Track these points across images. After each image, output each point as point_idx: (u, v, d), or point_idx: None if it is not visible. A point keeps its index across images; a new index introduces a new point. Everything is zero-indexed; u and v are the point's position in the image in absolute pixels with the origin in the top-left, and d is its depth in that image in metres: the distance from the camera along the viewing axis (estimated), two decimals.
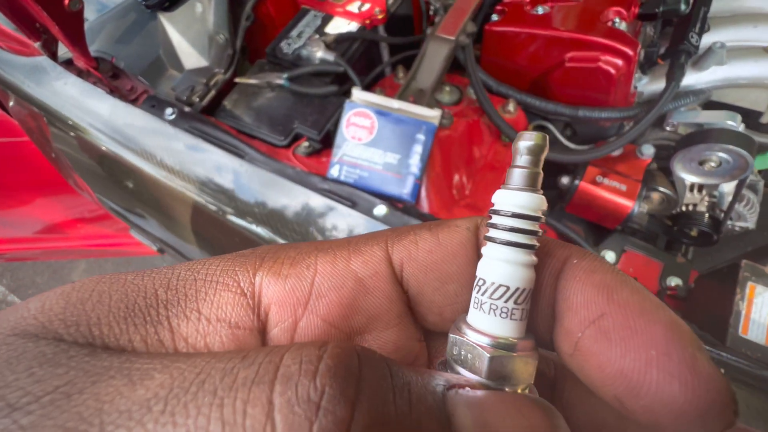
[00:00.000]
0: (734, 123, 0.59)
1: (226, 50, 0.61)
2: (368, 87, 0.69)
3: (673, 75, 0.58)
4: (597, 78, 0.60)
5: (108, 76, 0.63)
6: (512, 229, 0.12)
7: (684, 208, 0.70)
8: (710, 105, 0.68)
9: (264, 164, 0.52)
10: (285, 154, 0.57)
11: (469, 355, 0.11)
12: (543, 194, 0.12)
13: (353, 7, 0.69)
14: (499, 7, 0.67)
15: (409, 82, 0.62)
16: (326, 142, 0.60)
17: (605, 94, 0.61)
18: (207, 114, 0.60)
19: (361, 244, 0.13)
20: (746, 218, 0.71)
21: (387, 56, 0.74)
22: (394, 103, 0.52)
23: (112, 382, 0.09)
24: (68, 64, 0.63)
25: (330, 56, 0.63)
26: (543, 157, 0.12)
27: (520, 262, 0.12)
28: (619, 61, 0.58)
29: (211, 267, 0.12)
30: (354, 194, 0.50)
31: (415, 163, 0.50)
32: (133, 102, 0.63)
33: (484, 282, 0.12)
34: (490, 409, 0.10)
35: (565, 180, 0.71)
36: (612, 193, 0.65)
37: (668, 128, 0.66)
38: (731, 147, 0.56)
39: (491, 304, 0.11)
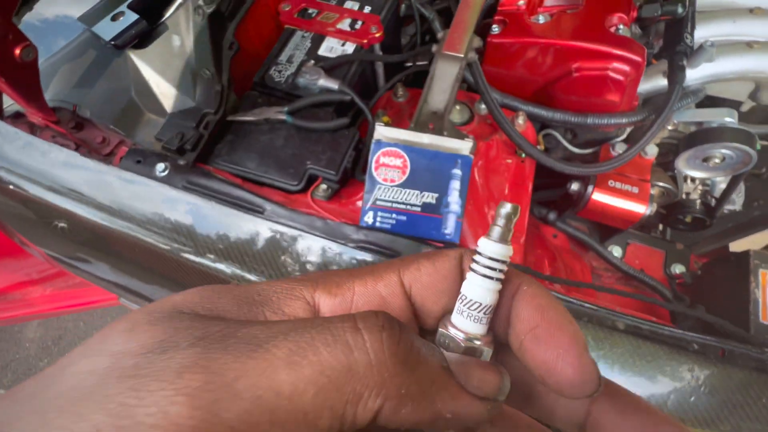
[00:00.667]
0: (733, 119, 0.62)
1: (213, 86, 0.53)
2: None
3: (676, 77, 0.59)
4: (606, 86, 0.60)
5: (70, 128, 0.53)
6: (488, 267, 0.18)
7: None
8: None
9: (288, 219, 0.47)
10: (303, 200, 0.51)
11: (451, 343, 0.18)
12: (511, 246, 0.19)
13: (345, 25, 0.63)
14: (498, 17, 0.65)
15: (422, 105, 0.58)
16: (344, 181, 0.55)
17: (614, 101, 0.62)
18: (200, 163, 0.53)
19: (381, 271, 0.19)
20: (734, 202, 0.76)
21: (382, 76, 0.70)
22: (424, 138, 0.48)
23: (253, 327, 0.15)
24: (16, 118, 0.52)
25: (333, 84, 0.57)
26: (515, 220, 0.19)
27: (490, 288, 0.18)
28: (628, 68, 0.58)
29: (282, 285, 0.18)
30: (395, 242, 0.46)
31: (454, 200, 0.47)
32: (108, 156, 0.54)
33: (466, 297, 0.18)
34: (467, 362, 0.17)
35: (575, 186, 0.71)
36: (625, 197, 0.66)
37: (669, 127, 0.68)
38: (735, 144, 0.59)
39: (468, 312, 0.18)
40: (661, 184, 0.71)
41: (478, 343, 0.18)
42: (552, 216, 0.78)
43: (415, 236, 0.47)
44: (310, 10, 0.65)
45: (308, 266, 0.47)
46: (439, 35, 0.62)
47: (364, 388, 0.14)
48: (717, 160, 0.62)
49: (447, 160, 0.47)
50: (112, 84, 0.53)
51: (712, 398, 0.40)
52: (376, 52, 0.65)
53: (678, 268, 0.78)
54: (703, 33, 0.69)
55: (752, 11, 0.68)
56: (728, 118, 0.62)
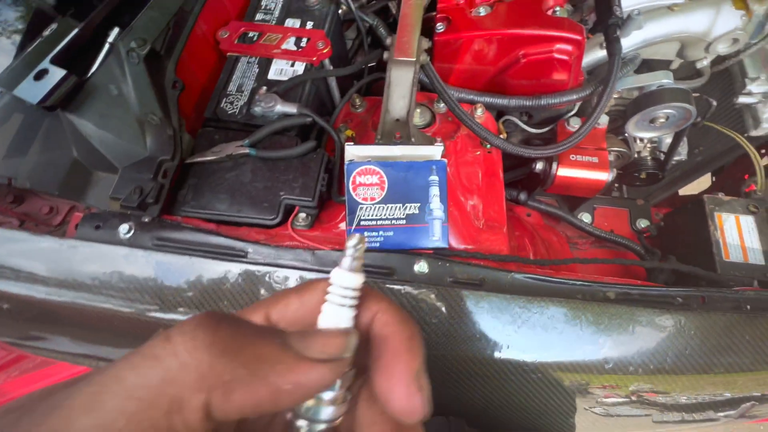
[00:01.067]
0: (669, 80, 0.66)
1: (164, 131, 0.50)
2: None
3: (614, 49, 0.63)
4: (553, 67, 0.63)
5: (9, 203, 0.48)
6: (340, 296, 0.20)
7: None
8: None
9: (274, 258, 0.45)
10: (285, 233, 0.49)
11: None
12: (362, 274, 0.20)
13: (290, 45, 0.61)
14: (440, 16, 0.65)
15: (384, 115, 0.57)
16: (321, 205, 0.54)
17: (562, 80, 0.64)
18: (166, 215, 0.50)
19: (247, 314, 0.20)
20: (680, 153, 0.82)
21: (337, 89, 0.69)
22: (395, 150, 0.48)
23: (54, 395, 0.15)
24: None
25: (291, 108, 0.55)
26: (363, 251, 0.20)
27: (343, 316, 0.20)
28: (571, 47, 0.61)
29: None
30: (387, 259, 0.46)
31: (437, 206, 0.47)
32: (60, 227, 0.49)
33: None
34: (309, 333, 0.19)
35: (540, 165, 0.74)
36: (588, 168, 0.69)
37: (614, 96, 0.72)
38: (676, 104, 0.63)
39: None
40: (615, 149, 0.76)
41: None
42: (523, 196, 0.80)
43: (404, 249, 0.47)
44: (250, 34, 0.63)
45: None
46: (388, 42, 0.61)
47: (183, 390, 0.14)
48: (662, 120, 0.67)
49: (422, 169, 0.48)
50: (49, 147, 0.49)
51: (703, 346, 0.43)
52: (326, 67, 0.63)
53: (643, 223, 0.84)
54: (627, 2, 0.73)
55: None
56: (665, 80, 0.66)
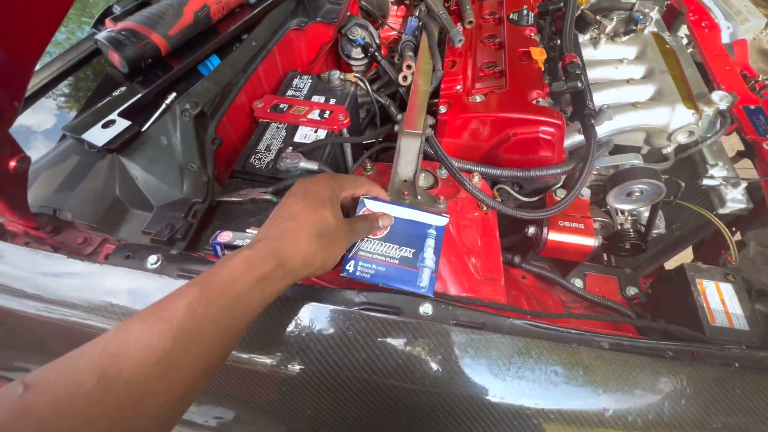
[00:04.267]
0: (639, 161, 0.76)
1: (200, 178, 0.57)
2: None
3: (590, 134, 0.74)
4: (539, 145, 0.73)
5: (48, 231, 0.52)
6: None
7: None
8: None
9: (288, 292, 0.48)
10: None
11: None
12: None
13: (315, 115, 0.72)
14: (442, 101, 0.78)
15: (394, 175, 0.65)
16: None
17: (548, 156, 0.74)
18: (191, 251, 0.54)
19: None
20: (659, 227, 0.90)
21: (350, 154, 0.78)
22: (406, 213, 0.54)
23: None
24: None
25: (313, 165, 0.63)
26: None
27: None
28: (553, 129, 0.71)
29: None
30: (394, 299, 0.49)
31: (429, 256, 0.52)
32: (91, 256, 0.53)
33: None
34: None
35: (532, 230, 0.80)
36: (575, 234, 0.76)
37: (594, 173, 0.82)
38: (646, 180, 0.72)
39: None
40: (599, 219, 0.83)
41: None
42: (517, 260, 0.85)
43: (392, 287, 0.50)
44: (281, 105, 0.74)
45: (320, 331, 0.47)
46: (398, 117, 0.72)
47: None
48: (637, 194, 0.75)
49: (424, 221, 0.53)
50: (96, 185, 0.54)
51: (697, 398, 0.45)
52: (344, 135, 0.73)
53: (632, 290, 0.88)
54: (598, 99, 0.88)
55: (628, 81, 0.88)
56: (636, 161, 0.76)
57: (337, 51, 0.93)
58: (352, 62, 0.91)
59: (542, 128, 0.71)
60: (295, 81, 0.79)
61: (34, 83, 0.60)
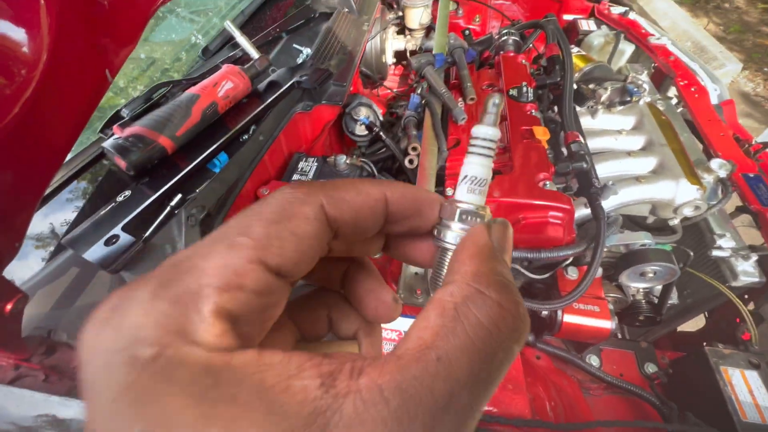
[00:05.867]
0: (650, 241, 0.76)
1: None
2: None
3: (599, 214, 0.73)
4: (549, 228, 0.72)
5: (40, 354, 0.49)
6: (485, 147, 0.21)
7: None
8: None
9: None
10: None
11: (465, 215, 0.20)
12: (498, 129, 0.22)
13: None
14: (448, 182, 0.77)
15: (404, 271, 0.63)
16: None
17: (557, 238, 0.73)
18: None
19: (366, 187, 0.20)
20: (672, 298, 0.88)
21: None
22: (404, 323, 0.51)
23: None
24: None
25: None
26: (501, 109, 0.22)
27: (487, 165, 0.21)
28: (561, 213, 0.71)
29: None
30: None
31: None
32: None
33: (467, 176, 0.21)
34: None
35: (545, 312, 0.78)
36: (591, 316, 0.73)
37: (604, 250, 0.81)
38: (660, 263, 0.71)
39: (470, 187, 0.21)
40: (612, 295, 0.81)
41: (483, 212, 0.21)
42: (531, 338, 0.82)
43: None
44: None
45: None
46: None
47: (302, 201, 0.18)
48: (651, 275, 0.74)
49: None
50: (95, 300, 0.52)
51: None
52: None
53: (651, 368, 0.84)
54: (601, 170, 0.88)
55: (629, 153, 0.90)
56: (646, 240, 0.76)
57: (341, 126, 0.93)
58: (356, 138, 0.92)
59: (552, 213, 0.71)
60: (301, 164, 0.78)
61: None
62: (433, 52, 1.00)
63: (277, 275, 0.15)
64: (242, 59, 0.82)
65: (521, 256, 0.74)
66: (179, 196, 0.59)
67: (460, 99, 0.95)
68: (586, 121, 0.97)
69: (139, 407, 0.11)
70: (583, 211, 0.83)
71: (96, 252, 0.48)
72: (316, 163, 0.78)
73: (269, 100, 0.68)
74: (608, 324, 0.73)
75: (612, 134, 0.96)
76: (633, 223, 0.93)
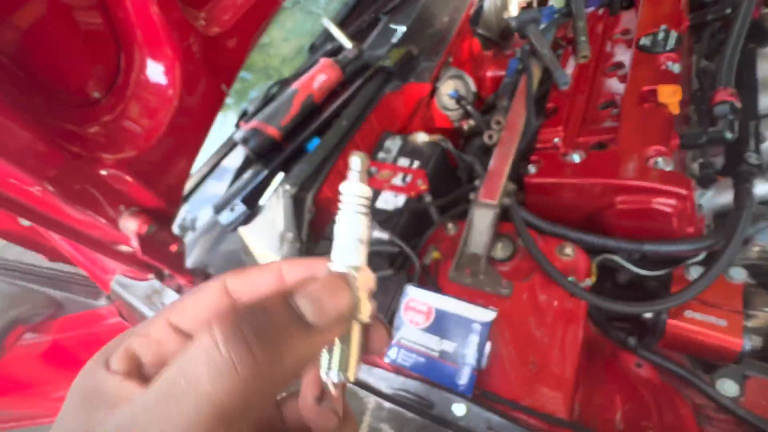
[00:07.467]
0: None
1: (295, 245, 0.70)
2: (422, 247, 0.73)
3: (743, 202, 0.55)
4: (653, 217, 0.59)
5: (199, 279, 0.74)
6: (357, 204, 0.22)
7: None
8: None
9: None
10: None
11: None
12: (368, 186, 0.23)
13: (398, 180, 0.77)
14: (534, 157, 0.71)
15: (462, 249, 0.65)
16: (391, 323, 0.62)
17: (667, 230, 0.59)
18: None
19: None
20: None
21: (435, 211, 0.80)
22: (451, 305, 0.54)
23: None
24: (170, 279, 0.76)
25: (385, 235, 0.69)
26: (366, 168, 0.23)
27: (363, 222, 0.22)
28: (673, 201, 0.57)
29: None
30: (430, 392, 0.51)
31: (471, 353, 0.50)
32: None
33: (341, 233, 0.23)
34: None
35: (649, 314, 0.65)
36: (711, 330, 0.58)
37: (755, 248, 0.60)
38: None
39: (344, 243, 0.23)
40: (764, 309, 0.61)
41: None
42: (632, 341, 0.71)
43: (431, 380, 0.50)
44: (372, 169, 0.81)
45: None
46: (476, 183, 0.70)
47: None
48: None
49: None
50: (230, 249, 0.74)
51: None
52: (425, 200, 0.75)
53: None
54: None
55: None
56: None
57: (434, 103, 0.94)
58: (449, 113, 0.91)
59: (657, 199, 0.57)
60: (387, 143, 0.85)
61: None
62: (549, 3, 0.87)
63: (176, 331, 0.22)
64: (340, 50, 0.92)
65: (617, 246, 0.63)
66: (281, 174, 0.76)
67: (571, 58, 0.81)
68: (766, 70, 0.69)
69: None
70: (728, 197, 0.63)
71: (225, 216, 0.70)
72: (399, 142, 0.84)
73: (353, 87, 0.76)
74: (737, 341, 0.57)
75: None
76: None
